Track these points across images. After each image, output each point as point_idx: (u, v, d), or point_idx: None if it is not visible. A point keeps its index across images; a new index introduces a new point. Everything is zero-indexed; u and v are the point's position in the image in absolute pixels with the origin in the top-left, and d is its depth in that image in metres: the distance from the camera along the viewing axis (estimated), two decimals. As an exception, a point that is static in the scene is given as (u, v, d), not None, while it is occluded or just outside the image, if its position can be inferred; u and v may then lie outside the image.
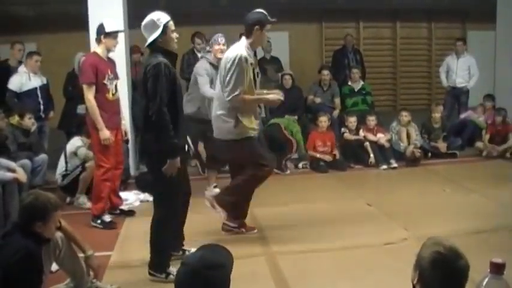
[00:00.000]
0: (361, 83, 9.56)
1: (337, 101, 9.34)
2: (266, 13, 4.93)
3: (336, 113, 9.20)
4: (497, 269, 1.43)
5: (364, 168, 8.09)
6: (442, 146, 8.73)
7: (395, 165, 8.02)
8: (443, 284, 1.98)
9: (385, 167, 7.97)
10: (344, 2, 11.60)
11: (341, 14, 11.96)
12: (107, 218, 5.60)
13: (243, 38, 4.95)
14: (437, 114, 8.85)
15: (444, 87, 10.10)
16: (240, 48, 4.85)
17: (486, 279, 1.44)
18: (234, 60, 4.74)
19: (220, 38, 6.23)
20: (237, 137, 4.92)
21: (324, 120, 8.11)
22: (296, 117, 8.68)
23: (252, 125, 5.00)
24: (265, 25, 4.88)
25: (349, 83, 9.50)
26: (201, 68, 6.26)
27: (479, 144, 8.85)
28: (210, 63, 6.20)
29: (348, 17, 12.24)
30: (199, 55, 8.37)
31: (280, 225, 5.54)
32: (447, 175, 7.63)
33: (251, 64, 4.91)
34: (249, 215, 5.58)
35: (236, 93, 4.75)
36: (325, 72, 9.38)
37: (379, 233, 5.22)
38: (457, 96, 9.81)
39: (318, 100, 9.29)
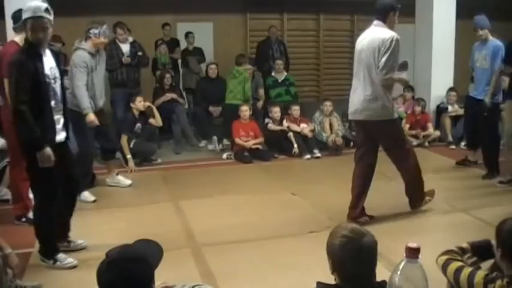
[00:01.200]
0: (285, 74, 9.63)
1: (261, 91, 9.37)
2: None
3: (259, 103, 9.23)
4: (412, 253, 1.46)
5: (288, 158, 8.14)
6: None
7: (318, 154, 8.13)
8: (354, 262, 2.11)
9: (308, 156, 8.06)
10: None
11: (265, 5, 11.99)
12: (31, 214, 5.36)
13: (381, 22, 5.09)
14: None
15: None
16: (390, 30, 5.01)
17: (402, 264, 1.47)
18: (392, 41, 4.90)
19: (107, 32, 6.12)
20: (392, 117, 5.16)
21: (245, 110, 8.12)
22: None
23: None
24: (397, 10, 5.16)
25: (273, 74, 9.55)
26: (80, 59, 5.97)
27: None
28: (90, 53, 5.97)
29: (272, 9, 12.29)
30: (121, 46, 8.22)
31: (205, 217, 5.51)
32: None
33: None
34: (173, 208, 5.56)
35: (392, 73, 4.95)
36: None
37: (303, 222, 5.29)
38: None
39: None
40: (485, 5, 7.04)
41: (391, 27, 5.13)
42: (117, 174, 6.70)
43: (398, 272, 1.47)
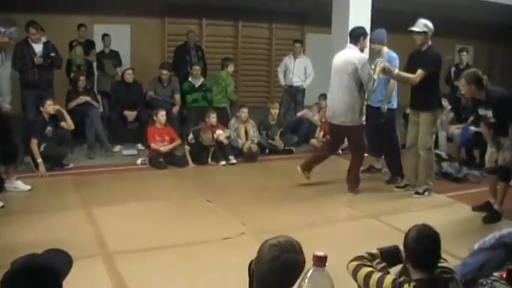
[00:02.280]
0: (202, 79, 9.61)
1: (177, 97, 9.30)
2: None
3: (175, 109, 9.17)
4: (319, 261, 1.47)
5: (203, 164, 8.10)
6: (279, 142, 9.03)
7: (234, 161, 8.15)
8: (278, 274, 2.01)
9: (224, 163, 8.06)
10: (185, -1, 11.60)
11: (184, 10, 11.94)
12: None
13: (353, 45, 6.55)
14: (274, 110, 9.15)
15: (282, 85, 10.45)
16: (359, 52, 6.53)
17: (310, 272, 1.48)
18: (365, 61, 6.41)
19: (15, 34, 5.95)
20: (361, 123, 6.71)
21: (162, 114, 8.02)
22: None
23: None
24: (367, 36, 6.86)
25: (190, 79, 9.51)
26: None
27: (313, 141, 9.29)
28: None
29: (191, 14, 12.25)
30: (34, 46, 7.93)
31: (118, 223, 5.38)
32: (284, 171, 7.90)
33: None
34: (84, 214, 5.45)
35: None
36: (164, 71, 9.30)
37: (218, 228, 5.28)
38: (294, 95, 10.21)
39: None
40: (396, 20, 7.32)
41: (361, 49, 6.59)
42: (16, 179, 6.45)
43: (306, 280, 1.48)
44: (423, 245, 2.71)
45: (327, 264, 1.49)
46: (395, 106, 7.23)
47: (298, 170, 6.95)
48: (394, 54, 7.07)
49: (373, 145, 7.80)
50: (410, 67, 6.54)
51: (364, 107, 6.83)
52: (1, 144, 5.98)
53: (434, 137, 6.72)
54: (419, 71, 6.27)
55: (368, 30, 9.22)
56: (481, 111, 5.67)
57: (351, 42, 6.58)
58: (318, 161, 7.09)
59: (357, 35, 6.56)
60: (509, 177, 5.74)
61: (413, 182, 6.77)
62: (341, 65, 6.47)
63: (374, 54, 7.32)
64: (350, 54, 6.45)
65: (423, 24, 6.34)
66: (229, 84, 9.48)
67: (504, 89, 5.81)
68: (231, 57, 12.70)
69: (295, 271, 2.09)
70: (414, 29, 6.37)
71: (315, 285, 1.47)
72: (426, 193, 6.55)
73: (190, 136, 8.04)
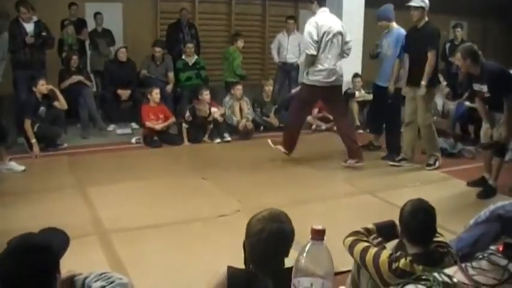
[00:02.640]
0: (195, 57, 9.55)
1: (171, 75, 9.25)
2: None
3: (169, 87, 9.12)
4: (317, 234, 1.47)
5: (198, 143, 8.07)
6: (273, 119, 9.01)
7: (228, 138, 8.15)
8: (265, 244, 2.13)
9: (218, 140, 8.06)
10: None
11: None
12: None
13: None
14: (268, 87, 9.12)
15: (276, 62, 10.39)
16: None
17: (308, 245, 1.48)
18: None
19: None
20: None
21: (156, 93, 7.98)
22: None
23: None
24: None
25: (183, 57, 9.45)
26: None
27: (308, 118, 9.24)
28: None
29: (184, -9, 12.14)
30: (25, 25, 7.86)
31: (113, 203, 5.38)
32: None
33: None
34: (79, 194, 5.50)
35: None
36: (157, 49, 9.24)
37: (213, 206, 5.29)
38: (288, 72, 10.14)
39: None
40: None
41: None
42: (9, 160, 6.43)
43: (304, 254, 1.48)
44: (418, 219, 2.72)
45: (325, 238, 1.48)
46: (401, 85, 7.13)
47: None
48: (402, 32, 7.00)
49: (374, 122, 7.81)
50: (410, 46, 6.57)
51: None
52: None
53: (433, 112, 6.76)
54: (430, 53, 6.29)
55: (362, 5, 9.25)
56: (476, 87, 5.66)
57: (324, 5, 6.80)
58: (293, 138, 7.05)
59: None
60: (504, 152, 5.76)
61: (410, 156, 6.83)
62: (340, 29, 6.58)
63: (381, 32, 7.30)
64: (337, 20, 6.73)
65: (420, 0, 6.34)
66: (235, 58, 9.42)
67: (498, 64, 5.79)
68: (225, 35, 12.72)
69: (283, 240, 2.17)
70: (412, 3, 6.37)
71: (313, 259, 1.47)
72: (437, 163, 6.69)
73: (187, 114, 7.99)
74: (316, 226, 1.47)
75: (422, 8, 6.35)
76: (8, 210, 5.06)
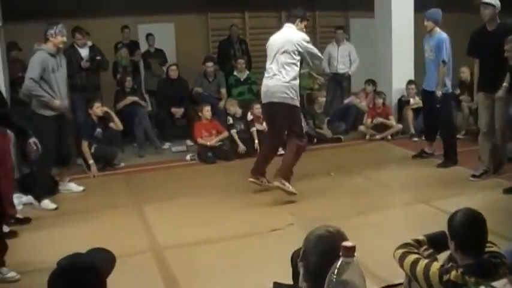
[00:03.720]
0: (247, 72, 9.63)
1: (223, 91, 9.34)
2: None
3: (222, 103, 9.21)
4: (348, 251, 1.45)
5: (252, 156, 8.07)
6: (326, 131, 8.97)
7: (282, 152, 8.10)
8: (321, 257, 1.98)
9: (272, 154, 8.05)
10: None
11: (226, 4, 11.94)
12: (5, 228, 4.88)
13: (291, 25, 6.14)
14: (322, 99, 9.09)
15: (327, 73, 10.36)
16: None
17: (339, 263, 1.47)
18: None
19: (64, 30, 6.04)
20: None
21: (207, 110, 8.06)
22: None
23: None
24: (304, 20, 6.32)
25: (235, 73, 9.53)
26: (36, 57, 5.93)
27: (362, 127, 9.18)
28: (49, 54, 5.92)
29: (233, 7, 12.24)
30: (80, 50, 8.11)
31: (168, 219, 5.47)
32: (332, 159, 7.86)
33: None
34: (135, 212, 5.64)
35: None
36: (209, 64, 9.34)
37: (266, 220, 5.29)
38: (339, 82, 10.10)
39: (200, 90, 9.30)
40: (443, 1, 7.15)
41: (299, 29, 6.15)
42: (69, 181, 6.61)
43: (336, 271, 1.47)
44: (469, 229, 2.65)
45: (355, 254, 1.47)
46: (450, 90, 7.06)
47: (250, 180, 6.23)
48: (444, 36, 6.88)
49: (426, 129, 7.70)
50: (481, 50, 6.17)
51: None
52: (59, 146, 6.12)
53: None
54: None
55: (412, 11, 9.13)
56: None
57: (289, 21, 6.30)
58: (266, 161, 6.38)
59: (292, 16, 6.27)
60: None
61: (491, 168, 6.43)
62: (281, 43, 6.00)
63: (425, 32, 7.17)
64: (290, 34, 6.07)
65: None
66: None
67: None
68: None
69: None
70: (482, 0, 6.00)
71: (345, 276, 1.46)
72: (483, 176, 6.31)
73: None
74: (346, 243, 1.46)
75: (492, 6, 5.97)
76: (66, 230, 5.22)
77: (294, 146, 6.05)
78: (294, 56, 5.91)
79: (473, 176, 6.42)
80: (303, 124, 8.56)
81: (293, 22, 6.12)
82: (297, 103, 6.00)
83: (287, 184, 5.82)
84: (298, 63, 6.00)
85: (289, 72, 5.86)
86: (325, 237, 2.05)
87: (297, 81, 5.97)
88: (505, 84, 5.92)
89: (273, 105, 5.99)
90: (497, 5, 6.03)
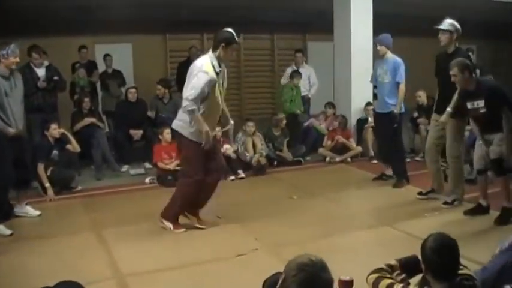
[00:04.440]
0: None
1: (181, 113, 9.23)
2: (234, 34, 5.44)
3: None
4: (346, 286, 1.40)
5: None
6: (287, 153, 8.96)
7: (242, 175, 8.09)
8: (301, 285, 1.96)
9: (233, 177, 7.99)
10: (188, 14, 11.56)
11: (185, 25, 11.92)
12: None
13: (210, 51, 5.44)
14: (281, 123, 9.09)
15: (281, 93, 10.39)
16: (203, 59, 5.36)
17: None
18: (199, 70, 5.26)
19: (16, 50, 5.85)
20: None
21: (167, 132, 7.94)
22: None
23: None
24: (232, 44, 5.45)
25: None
26: None
27: (321, 150, 9.22)
28: (2, 76, 5.77)
29: (191, 29, 12.22)
30: (36, 70, 7.92)
31: (129, 245, 5.30)
32: (293, 182, 7.86)
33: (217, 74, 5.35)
34: (95, 237, 5.49)
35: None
36: (159, 86, 9.26)
37: (230, 245, 5.21)
38: (299, 105, 10.13)
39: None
40: (399, 24, 7.29)
41: (223, 58, 5.49)
42: (26, 204, 6.41)
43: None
44: (442, 257, 2.65)
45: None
46: (404, 110, 7.21)
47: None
48: (399, 60, 7.06)
49: (382, 152, 7.78)
50: (441, 72, 6.28)
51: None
52: (17, 169, 5.91)
53: (462, 143, 6.41)
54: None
55: (370, 35, 9.27)
56: (470, 105, 5.51)
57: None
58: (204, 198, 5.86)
59: (218, 40, 5.48)
60: (506, 169, 5.49)
61: (438, 187, 6.58)
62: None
63: (378, 57, 7.29)
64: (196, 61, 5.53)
65: (449, 23, 6.19)
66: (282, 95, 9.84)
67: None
68: (234, 70, 12.77)
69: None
70: (440, 26, 6.18)
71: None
72: (455, 203, 6.27)
73: None
74: (343, 277, 1.41)
75: (450, 32, 6.15)
76: (24, 256, 5.02)
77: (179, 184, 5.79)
78: None
79: (420, 193, 6.66)
80: (264, 147, 8.58)
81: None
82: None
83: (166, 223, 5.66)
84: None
85: None
86: (306, 266, 2.01)
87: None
88: (448, 109, 6.01)
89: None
90: (456, 30, 6.19)
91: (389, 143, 7.32)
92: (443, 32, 6.19)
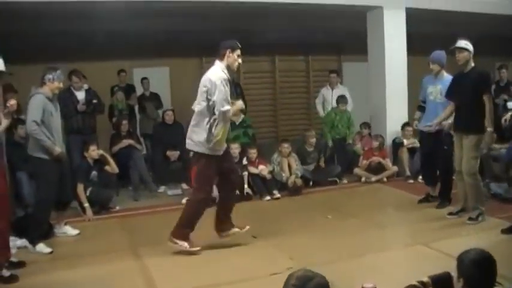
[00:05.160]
0: (242, 116, 9.64)
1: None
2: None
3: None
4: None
5: (248, 200, 8.08)
6: (322, 167, 9.00)
7: (278, 195, 8.12)
8: None
9: (268, 198, 8.05)
10: (222, 37, 11.68)
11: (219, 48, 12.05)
12: (5, 273, 4.96)
13: (218, 61, 5.59)
14: (311, 139, 9.09)
15: (321, 117, 10.43)
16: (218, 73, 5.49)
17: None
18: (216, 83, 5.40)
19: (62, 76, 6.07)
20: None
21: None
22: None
23: None
24: (236, 49, 5.61)
25: (230, 117, 9.54)
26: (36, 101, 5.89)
27: (357, 170, 9.19)
28: (47, 97, 5.92)
29: (227, 52, 12.36)
30: (76, 93, 8.16)
31: (165, 264, 5.37)
32: (329, 202, 7.85)
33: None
34: (132, 256, 5.59)
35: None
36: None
37: (264, 264, 5.22)
38: (334, 125, 10.12)
39: None
40: (435, 42, 7.24)
41: (231, 64, 5.62)
42: (65, 224, 6.56)
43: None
44: (481, 269, 2.65)
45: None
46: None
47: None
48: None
49: (428, 172, 7.56)
50: (457, 92, 6.33)
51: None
52: (59, 190, 6.06)
53: (479, 161, 6.37)
54: (486, 97, 6.06)
55: (405, 54, 9.26)
56: None
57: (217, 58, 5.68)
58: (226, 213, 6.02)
59: (223, 48, 5.63)
60: None
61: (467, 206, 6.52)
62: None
63: (431, 75, 7.12)
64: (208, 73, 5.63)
65: (464, 43, 6.20)
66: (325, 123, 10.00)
67: None
68: (270, 92, 12.88)
69: None
70: (457, 45, 6.19)
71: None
72: (480, 218, 6.26)
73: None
74: (367, 284, 1.44)
75: (467, 50, 6.16)
76: (62, 274, 5.14)
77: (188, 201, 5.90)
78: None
79: (450, 213, 6.61)
80: (300, 167, 8.59)
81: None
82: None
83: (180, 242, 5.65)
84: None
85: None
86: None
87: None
88: (489, 129, 6.06)
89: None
90: (471, 50, 6.22)
91: (438, 162, 7.14)
92: (461, 50, 6.20)
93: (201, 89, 5.57)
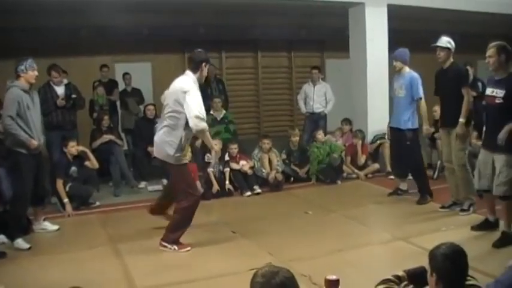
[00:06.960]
0: (223, 112, 9.64)
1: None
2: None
3: (198, 142, 9.16)
4: (332, 285, 1.44)
5: (228, 196, 8.11)
6: (301, 170, 8.96)
7: (259, 191, 8.13)
8: None
9: (249, 193, 8.05)
10: (206, 32, 11.69)
11: (203, 44, 11.99)
12: None
13: (189, 72, 5.55)
14: (295, 138, 9.09)
15: (303, 113, 10.45)
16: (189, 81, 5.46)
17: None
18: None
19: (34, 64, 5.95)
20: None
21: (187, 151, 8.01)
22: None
23: None
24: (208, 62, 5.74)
25: (212, 112, 9.52)
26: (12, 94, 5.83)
27: (344, 168, 9.19)
28: (23, 90, 5.85)
29: (210, 47, 12.31)
30: (56, 88, 8.09)
31: (145, 259, 5.35)
32: (309, 198, 7.88)
33: None
34: (111, 252, 5.55)
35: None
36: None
37: (244, 260, 5.20)
38: (316, 121, 10.15)
39: None
40: (414, 40, 7.31)
41: (201, 77, 5.69)
42: (44, 219, 6.52)
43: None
44: (452, 263, 2.66)
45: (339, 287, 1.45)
46: (416, 126, 7.19)
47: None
48: (415, 75, 7.07)
49: (397, 166, 7.79)
50: (440, 88, 6.56)
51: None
52: (34, 185, 6.02)
53: (467, 152, 6.53)
54: (464, 89, 6.23)
55: (386, 51, 9.31)
56: (489, 91, 5.41)
57: (189, 68, 5.70)
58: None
59: (199, 61, 5.62)
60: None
61: (459, 200, 6.63)
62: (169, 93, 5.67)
63: (395, 73, 7.30)
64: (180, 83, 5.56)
65: (446, 41, 6.34)
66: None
67: None
68: (252, 88, 12.88)
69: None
70: (438, 43, 6.35)
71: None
72: (471, 208, 6.42)
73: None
74: (330, 276, 1.44)
75: (448, 49, 6.32)
76: (42, 269, 5.11)
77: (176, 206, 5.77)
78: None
79: (442, 207, 6.71)
80: (280, 163, 8.61)
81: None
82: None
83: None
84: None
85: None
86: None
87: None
88: (461, 119, 6.19)
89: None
90: (453, 47, 6.37)
91: (405, 158, 7.31)
92: (442, 49, 6.36)
93: (173, 97, 5.51)
